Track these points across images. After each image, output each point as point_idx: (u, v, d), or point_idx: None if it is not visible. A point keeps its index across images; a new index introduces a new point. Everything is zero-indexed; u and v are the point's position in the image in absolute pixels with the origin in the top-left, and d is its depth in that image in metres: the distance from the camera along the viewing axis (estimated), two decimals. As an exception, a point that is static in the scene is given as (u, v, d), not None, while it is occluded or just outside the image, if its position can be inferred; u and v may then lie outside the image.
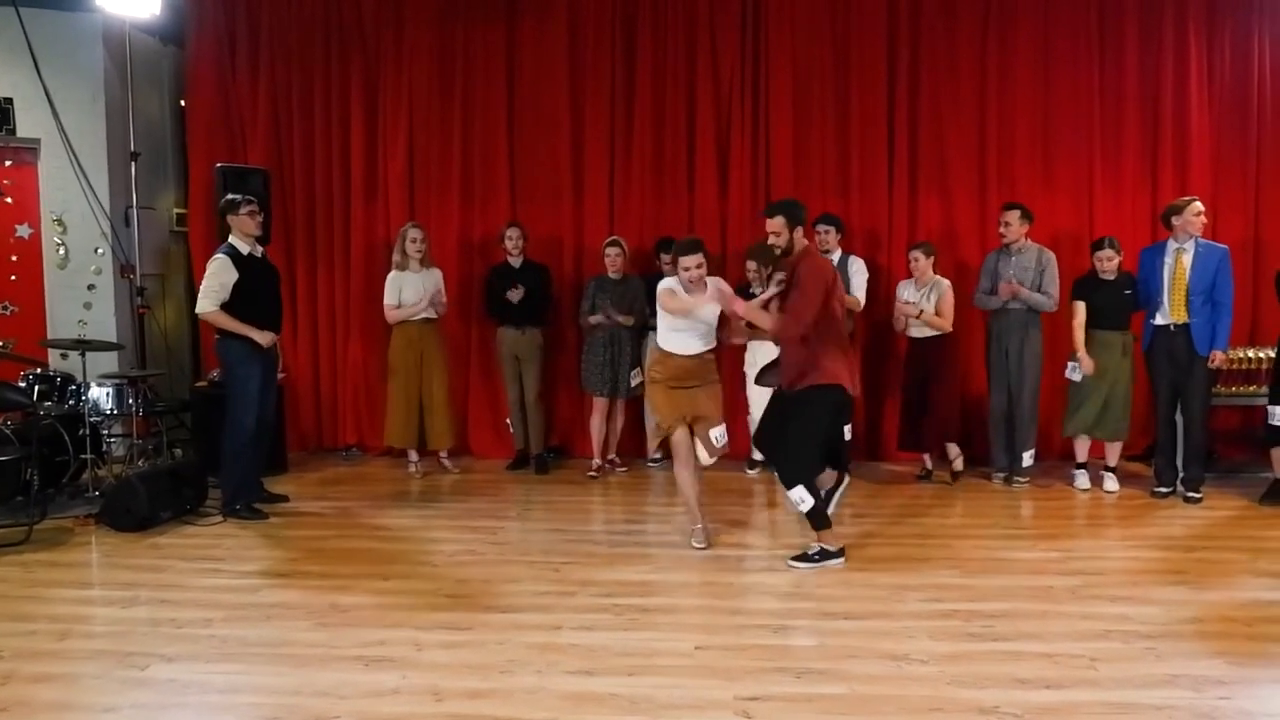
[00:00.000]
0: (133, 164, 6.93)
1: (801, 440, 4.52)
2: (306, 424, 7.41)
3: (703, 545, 4.84)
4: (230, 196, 5.65)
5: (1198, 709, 3.10)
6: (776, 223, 4.52)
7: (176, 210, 7.59)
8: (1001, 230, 6.06)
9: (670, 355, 4.78)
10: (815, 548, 4.62)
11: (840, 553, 4.61)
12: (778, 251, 4.59)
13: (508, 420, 6.85)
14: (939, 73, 6.81)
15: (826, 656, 3.53)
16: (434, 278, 6.53)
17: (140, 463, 6.12)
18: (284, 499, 5.82)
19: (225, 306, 5.35)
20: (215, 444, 6.17)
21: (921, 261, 6.02)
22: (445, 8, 7.11)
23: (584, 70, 7.03)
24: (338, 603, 4.13)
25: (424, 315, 6.40)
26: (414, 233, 6.44)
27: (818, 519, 4.57)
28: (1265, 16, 6.62)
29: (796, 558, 4.61)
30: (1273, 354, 5.88)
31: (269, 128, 7.27)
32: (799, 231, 4.56)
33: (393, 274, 6.44)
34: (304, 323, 7.32)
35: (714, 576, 4.48)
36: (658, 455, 6.86)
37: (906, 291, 6.14)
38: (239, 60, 7.26)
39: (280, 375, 5.97)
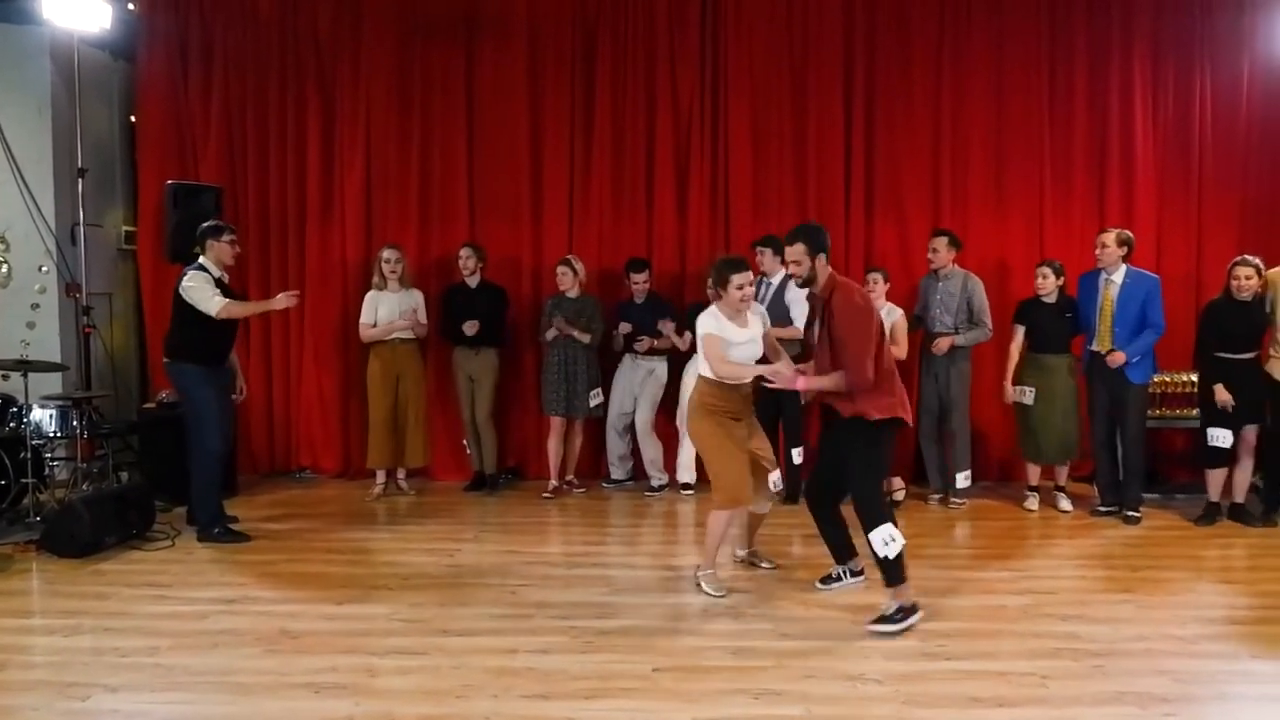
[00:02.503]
0: (80, 180, 6.80)
1: (867, 477, 4.13)
2: (258, 446, 7.26)
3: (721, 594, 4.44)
4: (215, 222, 5.64)
5: (1145, 726, 3.16)
6: (796, 250, 4.07)
7: (125, 228, 7.44)
8: (930, 256, 6.20)
9: (724, 386, 4.36)
10: (894, 605, 4.03)
11: (915, 608, 4.05)
12: (799, 283, 4.22)
13: (464, 441, 6.80)
14: (894, 100, 6.92)
15: (784, 678, 3.54)
16: (413, 298, 6.55)
17: (84, 487, 5.96)
18: (234, 520, 5.70)
19: (188, 324, 5.32)
20: (163, 467, 6.08)
21: (881, 285, 6.10)
22: (404, 27, 7.07)
23: (544, 91, 7.04)
24: (288, 629, 4.05)
25: (400, 336, 6.41)
26: (387, 253, 6.47)
27: (896, 570, 4.01)
28: (1207, 53, 6.84)
29: (877, 620, 4.00)
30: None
31: (222, 145, 7.15)
32: (822, 259, 4.08)
33: (371, 293, 6.49)
34: (257, 343, 7.20)
35: (671, 598, 4.46)
36: (618, 476, 6.86)
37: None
38: (191, 76, 7.15)
39: (240, 396, 5.92)
